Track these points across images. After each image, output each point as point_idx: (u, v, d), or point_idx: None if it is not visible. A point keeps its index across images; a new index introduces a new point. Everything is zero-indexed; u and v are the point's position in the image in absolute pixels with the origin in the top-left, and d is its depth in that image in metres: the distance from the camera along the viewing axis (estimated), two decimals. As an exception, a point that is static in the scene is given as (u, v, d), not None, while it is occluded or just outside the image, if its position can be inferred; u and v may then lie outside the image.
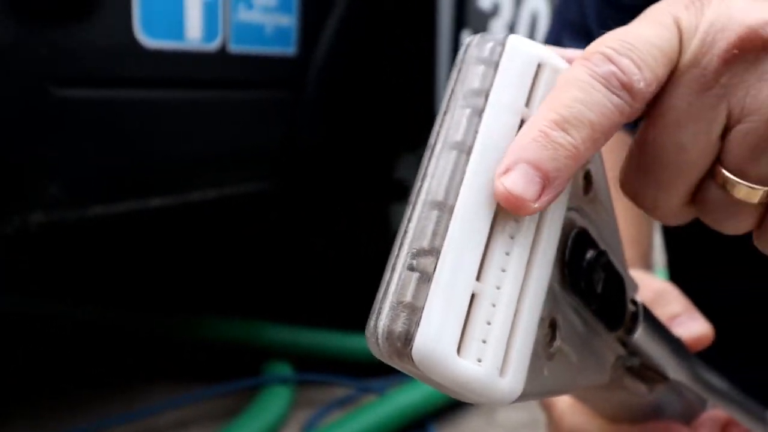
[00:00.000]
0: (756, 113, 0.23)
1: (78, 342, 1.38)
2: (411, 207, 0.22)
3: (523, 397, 0.22)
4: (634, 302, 0.30)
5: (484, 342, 0.21)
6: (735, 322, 0.51)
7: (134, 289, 1.50)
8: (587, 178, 0.27)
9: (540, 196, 0.22)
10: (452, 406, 1.21)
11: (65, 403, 1.15)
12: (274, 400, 1.12)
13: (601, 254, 0.27)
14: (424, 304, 0.21)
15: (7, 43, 0.75)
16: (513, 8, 1.33)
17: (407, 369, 0.21)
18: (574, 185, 0.26)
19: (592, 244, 0.26)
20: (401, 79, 1.19)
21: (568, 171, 0.22)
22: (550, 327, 0.24)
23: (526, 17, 1.37)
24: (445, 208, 0.22)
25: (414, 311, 0.21)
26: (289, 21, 1.05)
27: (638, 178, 0.26)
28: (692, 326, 0.36)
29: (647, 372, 0.32)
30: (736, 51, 0.23)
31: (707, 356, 0.36)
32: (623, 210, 0.28)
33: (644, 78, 0.23)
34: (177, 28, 0.90)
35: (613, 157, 0.31)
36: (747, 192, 0.24)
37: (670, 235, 0.60)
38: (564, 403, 0.39)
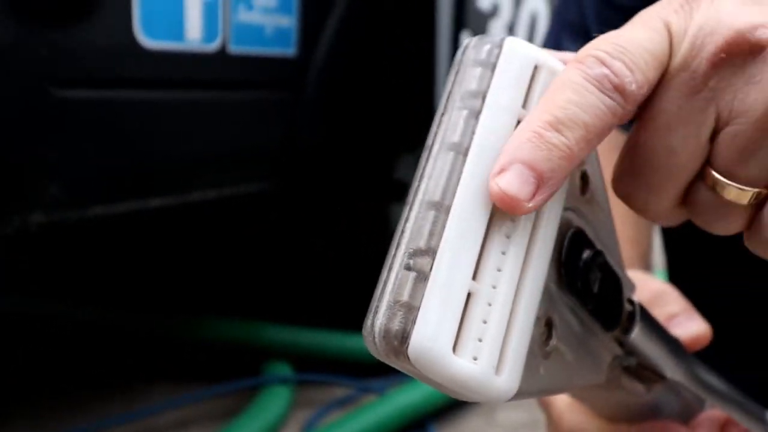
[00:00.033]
0: (744, 116, 0.23)
1: (78, 342, 1.38)
2: (408, 207, 0.22)
3: (519, 395, 0.23)
4: (631, 302, 0.30)
5: (480, 340, 0.21)
6: (734, 323, 0.51)
7: (134, 290, 1.50)
8: (584, 178, 0.27)
9: (534, 196, 0.22)
10: (452, 406, 1.21)
11: (65, 403, 1.16)
12: (274, 400, 1.12)
13: (598, 254, 0.27)
14: (420, 303, 0.21)
15: (7, 44, 0.75)
16: (512, 9, 1.34)
17: (404, 367, 0.22)
18: (571, 185, 0.26)
19: (589, 244, 0.27)
20: (401, 79, 1.19)
21: (562, 171, 0.22)
22: (546, 326, 0.24)
23: (525, 18, 1.38)
24: (441, 209, 0.22)
25: (410, 310, 0.21)
26: (289, 22, 1.06)
27: (630, 180, 0.26)
28: (690, 326, 0.36)
29: (644, 372, 0.32)
30: (723, 55, 0.23)
31: (706, 356, 0.36)
32: (622, 210, 0.28)
33: (636, 81, 0.23)
34: (177, 28, 0.90)
35: (611, 158, 0.31)
36: (736, 193, 0.24)
37: (670, 236, 0.61)
38: (563, 402, 0.39)
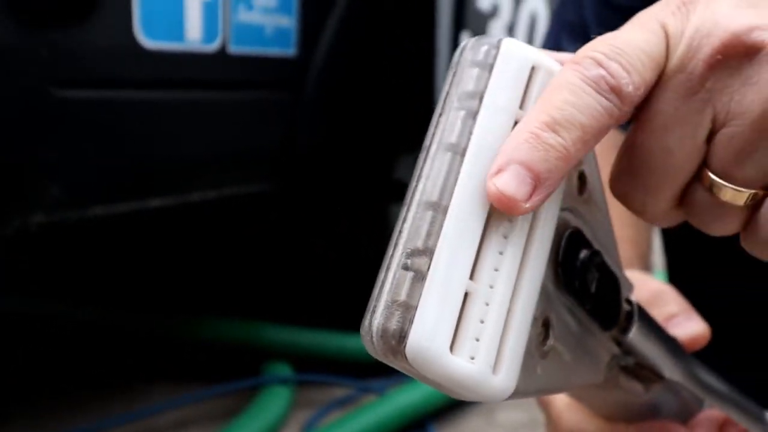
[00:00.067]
0: (740, 117, 0.23)
1: (78, 342, 1.38)
2: (406, 207, 0.22)
3: (516, 394, 0.23)
4: (629, 302, 0.30)
5: (477, 340, 0.22)
6: (733, 323, 0.51)
7: (134, 290, 1.50)
8: (581, 178, 0.27)
9: (531, 196, 0.22)
10: (452, 406, 1.21)
11: (65, 403, 1.16)
12: (274, 401, 1.12)
13: (595, 254, 0.27)
14: (418, 303, 0.21)
15: (7, 44, 0.75)
16: (512, 9, 1.34)
17: (401, 366, 0.22)
18: (569, 186, 0.26)
19: (586, 244, 0.27)
20: (401, 79, 1.19)
21: (559, 172, 0.23)
22: (543, 326, 0.24)
23: (525, 18, 1.38)
24: (439, 209, 0.22)
25: (408, 310, 0.21)
26: (288, 22, 1.06)
27: (627, 180, 0.26)
28: (689, 326, 0.36)
29: (642, 371, 0.32)
30: (720, 56, 0.23)
31: (705, 356, 0.36)
32: (621, 211, 0.28)
33: (633, 82, 0.23)
34: (177, 29, 0.90)
35: (610, 157, 0.31)
36: (733, 194, 0.24)
37: (670, 236, 0.61)
38: (562, 402, 0.39)
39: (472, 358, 0.21)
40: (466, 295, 0.22)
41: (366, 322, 0.22)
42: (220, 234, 1.47)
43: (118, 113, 0.88)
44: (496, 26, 1.30)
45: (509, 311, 0.23)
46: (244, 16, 0.99)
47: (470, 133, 0.23)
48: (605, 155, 0.31)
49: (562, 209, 0.25)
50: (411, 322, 0.21)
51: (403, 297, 0.21)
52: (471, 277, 0.22)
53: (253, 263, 1.45)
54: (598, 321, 0.28)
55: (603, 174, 0.29)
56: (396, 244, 0.22)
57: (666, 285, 0.39)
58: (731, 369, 0.41)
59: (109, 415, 1.08)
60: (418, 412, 1.14)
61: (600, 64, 0.23)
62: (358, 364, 1.23)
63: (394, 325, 0.21)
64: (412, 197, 0.22)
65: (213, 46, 0.95)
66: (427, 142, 0.23)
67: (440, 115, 0.23)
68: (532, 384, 0.24)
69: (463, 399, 0.22)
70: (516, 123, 0.23)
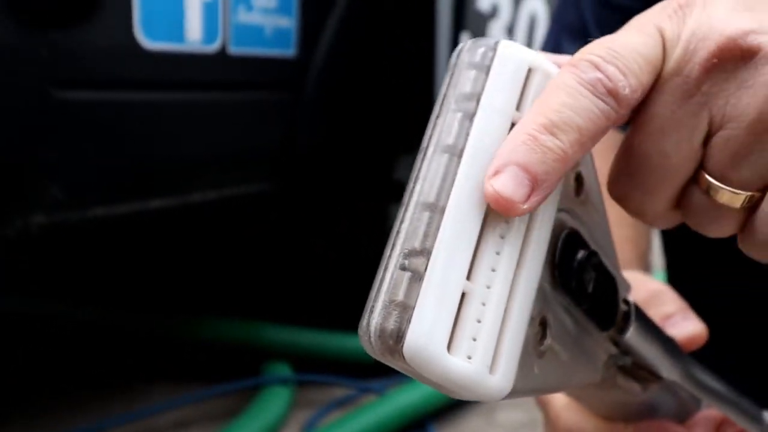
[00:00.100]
0: (736, 120, 0.24)
1: (78, 342, 1.38)
2: (403, 208, 0.23)
3: (513, 394, 0.23)
4: (627, 302, 0.30)
5: (474, 340, 0.22)
6: (732, 323, 0.52)
7: (134, 290, 1.50)
8: (578, 180, 0.27)
9: (529, 197, 0.22)
10: (452, 406, 1.21)
11: (65, 403, 1.16)
12: (274, 401, 1.13)
13: (592, 254, 0.27)
14: (415, 303, 0.21)
15: (7, 45, 0.75)
16: (512, 10, 1.34)
17: (399, 366, 0.22)
18: (565, 187, 0.26)
19: (583, 244, 0.27)
20: (400, 80, 1.19)
21: (556, 174, 0.23)
22: (540, 325, 0.25)
23: (524, 19, 1.38)
24: (436, 210, 0.22)
25: (405, 309, 0.21)
26: (288, 22, 1.06)
27: (624, 182, 0.26)
28: (686, 326, 0.36)
29: (640, 371, 0.32)
30: (716, 60, 0.24)
31: (704, 356, 0.36)
32: (621, 211, 0.28)
33: (629, 85, 0.24)
34: (177, 29, 0.90)
35: (609, 157, 0.32)
36: (729, 197, 0.25)
37: (669, 237, 0.61)
38: (560, 401, 0.39)
39: (470, 358, 0.22)
40: (463, 295, 0.22)
41: (364, 322, 0.22)
42: (221, 234, 1.47)
43: (119, 114, 0.88)
44: (496, 27, 1.30)
45: (506, 311, 0.23)
46: (244, 17, 0.99)
47: (467, 134, 0.23)
48: (604, 156, 0.31)
49: (559, 210, 0.25)
50: (408, 321, 0.21)
51: (400, 297, 0.21)
52: (468, 278, 0.22)
53: (253, 263, 1.45)
54: (595, 321, 0.28)
55: (601, 175, 0.29)
56: (393, 245, 0.22)
57: (664, 285, 0.39)
58: (730, 369, 0.41)
59: (109, 415, 1.09)
60: (418, 412, 1.14)
61: (597, 67, 0.23)
62: (358, 364, 1.24)
63: (391, 325, 0.21)
64: (409, 198, 0.23)
65: (213, 47, 0.95)
66: (424, 144, 0.23)
67: (437, 116, 0.24)
68: (530, 383, 0.24)
69: (460, 398, 0.22)
70: (513, 125, 0.24)
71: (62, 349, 1.35)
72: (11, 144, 0.79)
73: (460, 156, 0.23)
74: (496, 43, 0.24)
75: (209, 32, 0.94)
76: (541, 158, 0.22)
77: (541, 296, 0.24)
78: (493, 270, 0.22)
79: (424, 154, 0.23)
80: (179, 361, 1.31)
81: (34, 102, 0.79)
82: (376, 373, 1.24)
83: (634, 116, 0.25)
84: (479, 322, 0.22)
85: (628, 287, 0.31)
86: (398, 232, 0.22)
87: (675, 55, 0.24)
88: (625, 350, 0.31)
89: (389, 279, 0.22)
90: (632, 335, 0.30)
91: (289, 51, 1.07)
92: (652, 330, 0.32)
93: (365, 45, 1.16)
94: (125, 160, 0.91)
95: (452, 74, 0.24)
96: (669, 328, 0.35)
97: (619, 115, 0.24)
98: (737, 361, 0.51)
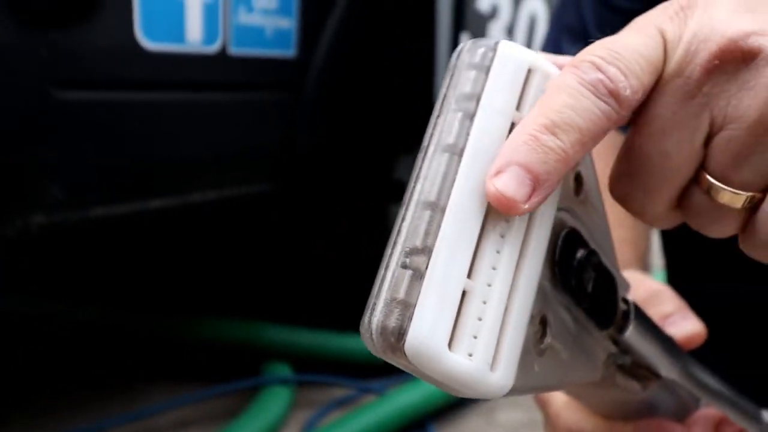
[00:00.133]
0: (737, 121, 0.24)
1: (78, 342, 1.38)
2: (404, 207, 0.23)
3: (514, 391, 0.23)
4: (626, 301, 0.30)
5: (475, 337, 0.22)
6: (732, 323, 0.52)
7: (135, 290, 1.50)
8: (578, 179, 0.27)
9: (530, 197, 0.22)
10: (452, 406, 1.21)
11: (65, 403, 1.16)
12: (274, 401, 1.13)
13: (592, 254, 0.27)
14: (416, 301, 0.21)
15: (8, 45, 0.75)
16: (511, 11, 1.34)
17: (400, 363, 0.22)
18: (565, 186, 0.26)
19: (583, 243, 0.27)
20: (400, 80, 1.20)
21: (557, 174, 0.23)
22: (540, 324, 0.25)
23: (524, 19, 1.38)
24: (437, 208, 0.22)
25: (407, 307, 0.21)
26: (288, 23, 1.06)
27: (626, 183, 0.26)
28: (685, 325, 0.36)
29: (639, 370, 0.32)
30: (717, 61, 0.24)
31: (703, 356, 0.36)
32: (620, 212, 0.29)
33: (630, 86, 0.24)
34: (177, 30, 0.91)
35: (609, 158, 0.32)
36: (730, 197, 0.25)
37: (669, 237, 0.61)
38: (560, 400, 0.39)
39: (470, 355, 0.22)
40: (464, 293, 0.22)
41: (365, 319, 0.22)
42: (221, 234, 1.47)
43: (119, 114, 0.88)
44: (496, 27, 1.30)
45: (507, 309, 0.23)
46: (245, 18, 0.99)
47: (467, 134, 0.23)
48: (604, 157, 0.31)
49: (559, 209, 0.26)
50: (410, 319, 0.21)
51: (402, 295, 0.21)
52: (469, 276, 0.22)
53: (253, 263, 1.45)
54: (595, 320, 0.28)
55: (601, 175, 0.29)
56: (395, 243, 0.22)
57: (663, 285, 0.39)
58: (729, 369, 0.41)
59: (109, 415, 1.09)
60: (418, 412, 1.14)
61: (598, 68, 0.24)
62: (358, 364, 1.24)
63: (393, 322, 0.21)
64: (410, 197, 0.23)
65: (213, 48, 0.96)
66: (424, 143, 0.24)
67: (438, 116, 0.24)
68: (530, 381, 0.24)
69: (461, 395, 0.22)
70: (513, 125, 0.24)
71: (62, 349, 1.35)
72: (11, 144, 0.79)
73: (460, 155, 0.23)
74: (496, 44, 0.24)
75: (210, 33, 0.95)
76: (543, 158, 0.22)
77: (541, 295, 0.25)
78: (494, 268, 0.23)
79: (425, 154, 0.23)
80: (179, 361, 1.31)
81: (35, 102, 0.79)
82: (376, 373, 1.24)
83: (635, 117, 0.25)
84: (480, 320, 0.22)
85: (627, 286, 0.31)
86: (399, 231, 0.22)
87: (676, 56, 0.24)
88: (625, 349, 0.31)
89: (390, 277, 0.22)
90: (631, 334, 0.30)
91: (290, 51, 1.07)
92: (652, 329, 0.32)
93: (365, 45, 1.16)
94: (125, 161, 0.91)
95: (452, 74, 0.24)
96: (668, 328, 0.35)
97: (620, 115, 0.24)
98: (735, 360, 0.51)
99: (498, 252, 0.23)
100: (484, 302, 0.22)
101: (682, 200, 0.26)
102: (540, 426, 0.43)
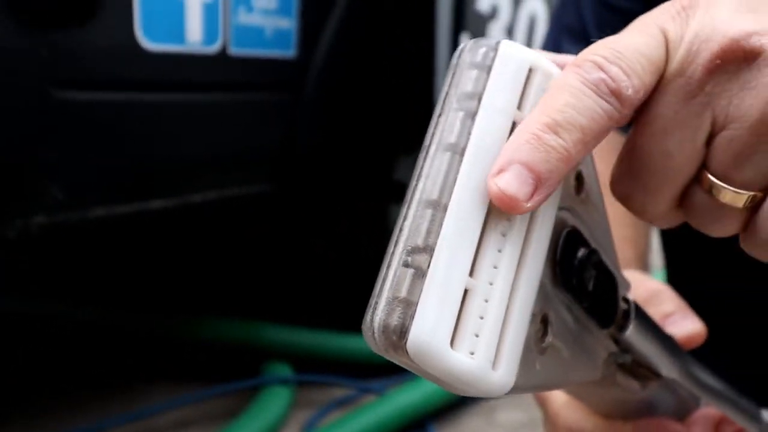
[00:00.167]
0: (739, 121, 0.24)
1: (78, 342, 1.38)
2: (406, 206, 0.23)
3: (515, 390, 0.23)
4: (626, 300, 0.30)
5: (476, 336, 0.22)
6: (731, 323, 0.52)
7: (135, 290, 1.51)
8: (579, 179, 0.27)
9: (532, 196, 0.22)
10: (452, 406, 1.21)
11: (65, 403, 1.16)
12: (274, 401, 1.13)
13: (593, 253, 0.27)
14: (418, 299, 0.21)
15: (8, 46, 0.75)
16: (511, 11, 1.34)
17: (402, 362, 0.22)
18: (566, 186, 0.26)
19: (584, 242, 0.27)
20: (400, 81, 1.20)
21: (559, 172, 0.23)
22: (542, 323, 0.25)
23: (524, 20, 1.38)
24: (439, 207, 0.22)
25: (409, 306, 0.21)
26: (288, 24, 1.06)
27: (627, 182, 0.26)
28: (685, 325, 0.36)
29: (639, 369, 0.32)
30: (718, 61, 0.24)
31: (703, 355, 0.36)
32: (620, 212, 0.29)
33: (632, 85, 0.24)
34: (178, 31, 0.91)
35: (609, 159, 0.32)
36: (732, 196, 0.25)
37: (668, 237, 0.61)
38: (560, 400, 0.39)
39: (472, 354, 0.22)
40: (465, 291, 0.22)
41: (368, 318, 0.22)
42: (221, 235, 1.47)
43: (119, 114, 0.88)
44: (496, 28, 1.30)
45: (508, 308, 0.23)
46: (245, 18, 0.99)
47: (469, 133, 0.23)
48: (603, 157, 0.31)
49: (560, 208, 0.26)
50: (412, 318, 0.21)
51: (404, 293, 0.21)
52: (470, 274, 0.22)
53: (253, 264, 1.45)
54: (596, 319, 0.28)
55: (601, 175, 0.29)
56: (397, 242, 0.22)
57: (663, 284, 0.40)
58: (729, 368, 0.41)
59: (109, 415, 1.09)
60: (418, 412, 1.14)
61: (600, 68, 0.24)
62: (358, 364, 1.24)
63: (395, 321, 0.21)
64: (412, 196, 0.23)
65: (213, 48, 0.96)
66: (426, 142, 0.24)
67: (439, 115, 0.24)
68: (531, 380, 0.24)
69: (463, 394, 0.22)
70: (514, 124, 0.24)
71: (62, 349, 1.35)
72: (11, 144, 0.79)
73: (462, 154, 0.23)
74: (498, 43, 0.24)
75: (210, 33, 0.95)
76: (545, 157, 0.23)
77: (542, 293, 0.25)
78: (495, 267, 0.23)
79: (427, 153, 0.23)
80: (179, 361, 1.31)
81: (35, 102, 0.79)
82: (376, 373, 1.24)
83: (637, 116, 0.25)
84: (482, 318, 0.22)
85: (627, 286, 0.31)
86: (401, 230, 0.22)
87: (678, 56, 0.25)
88: (625, 348, 0.31)
89: (392, 276, 0.22)
90: (632, 333, 0.30)
91: (290, 52, 1.07)
92: (652, 328, 0.32)
93: (365, 45, 1.16)
94: (125, 161, 0.91)
95: (454, 74, 0.24)
96: (668, 327, 0.35)
97: (622, 115, 0.24)
98: (735, 360, 0.51)
99: (499, 251, 0.23)
100: (486, 301, 0.22)
101: (683, 199, 0.26)
102: (540, 426, 0.43)
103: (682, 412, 0.38)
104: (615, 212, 0.31)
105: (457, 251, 0.22)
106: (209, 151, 1.02)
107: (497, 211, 0.23)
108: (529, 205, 0.22)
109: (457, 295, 0.22)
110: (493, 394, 0.22)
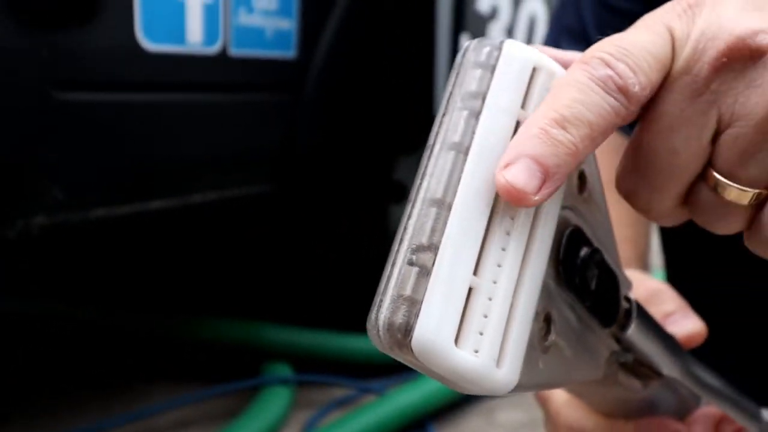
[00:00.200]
0: (744, 119, 0.24)
1: (78, 342, 1.38)
2: (410, 204, 0.23)
3: (519, 388, 0.23)
4: (628, 299, 0.31)
5: (481, 334, 0.22)
6: (732, 322, 0.52)
7: (135, 290, 1.51)
8: (581, 178, 0.27)
9: (540, 189, 0.23)
10: (452, 406, 1.21)
11: (65, 403, 1.16)
12: (274, 401, 1.13)
13: (595, 252, 0.27)
14: (423, 298, 0.21)
15: (8, 46, 0.75)
16: (511, 12, 1.34)
17: (407, 360, 0.22)
18: (569, 185, 0.27)
19: (586, 242, 0.27)
20: (400, 81, 1.20)
21: (567, 167, 0.23)
22: (545, 321, 0.25)
23: (524, 20, 1.38)
24: (443, 206, 0.22)
25: (413, 304, 0.21)
26: (289, 24, 1.06)
27: (632, 179, 0.27)
28: (685, 324, 0.36)
29: (641, 368, 0.32)
30: (725, 59, 0.24)
31: (703, 355, 0.36)
32: (621, 211, 0.29)
33: (639, 82, 0.24)
34: (178, 31, 0.91)
35: (609, 159, 0.32)
36: (737, 194, 0.25)
37: (668, 236, 0.61)
38: (560, 398, 0.39)
39: (476, 352, 0.22)
40: (469, 290, 0.22)
41: (372, 316, 0.22)
42: (221, 235, 1.47)
43: (119, 115, 0.88)
44: (496, 28, 1.30)
45: (512, 306, 0.23)
46: (245, 19, 0.99)
47: (473, 132, 0.23)
48: (605, 157, 0.32)
49: (563, 208, 0.26)
50: (416, 316, 0.21)
51: (408, 292, 0.22)
52: (475, 273, 0.22)
53: (253, 264, 1.45)
54: (598, 318, 0.28)
55: (603, 175, 0.29)
56: (401, 240, 0.23)
57: (663, 284, 0.40)
58: (729, 367, 0.41)
59: (109, 415, 1.09)
60: (418, 412, 1.14)
61: (608, 65, 0.24)
62: (358, 364, 1.24)
63: (400, 319, 0.21)
64: (416, 194, 0.23)
65: (214, 49, 0.96)
66: (430, 141, 0.24)
67: (444, 114, 0.24)
68: (534, 378, 0.24)
69: (467, 392, 0.23)
70: (518, 123, 0.24)
71: (62, 349, 1.35)
72: (12, 145, 0.79)
73: (466, 153, 0.23)
74: (502, 43, 0.24)
75: (210, 34, 0.95)
76: (553, 151, 0.23)
77: (545, 292, 0.25)
78: (499, 266, 0.23)
79: (431, 152, 0.23)
80: (179, 361, 1.31)
81: (35, 103, 0.79)
82: (376, 373, 1.24)
83: (643, 114, 0.26)
84: (486, 316, 0.22)
85: (629, 285, 0.31)
86: (405, 228, 0.23)
87: (684, 53, 0.25)
88: (627, 347, 0.31)
89: (397, 274, 0.22)
90: (634, 332, 0.30)
91: (290, 52, 1.07)
92: (653, 327, 0.32)
93: (365, 46, 1.16)
94: (126, 161, 0.91)
95: (458, 73, 0.24)
96: (669, 326, 0.36)
97: (629, 111, 0.24)
98: (736, 359, 0.51)
99: (503, 249, 0.23)
100: (490, 299, 0.22)
101: (688, 197, 0.26)
102: (541, 426, 0.43)
103: (683, 411, 0.38)
104: (615, 212, 0.31)
105: (461, 250, 0.22)
106: (209, 151, 1.02)
107: (501, 210, 0.23)
108: (536, 198, 0.23)
109: (462, 293, 0.22)
110: (497, 392, 0.22)
